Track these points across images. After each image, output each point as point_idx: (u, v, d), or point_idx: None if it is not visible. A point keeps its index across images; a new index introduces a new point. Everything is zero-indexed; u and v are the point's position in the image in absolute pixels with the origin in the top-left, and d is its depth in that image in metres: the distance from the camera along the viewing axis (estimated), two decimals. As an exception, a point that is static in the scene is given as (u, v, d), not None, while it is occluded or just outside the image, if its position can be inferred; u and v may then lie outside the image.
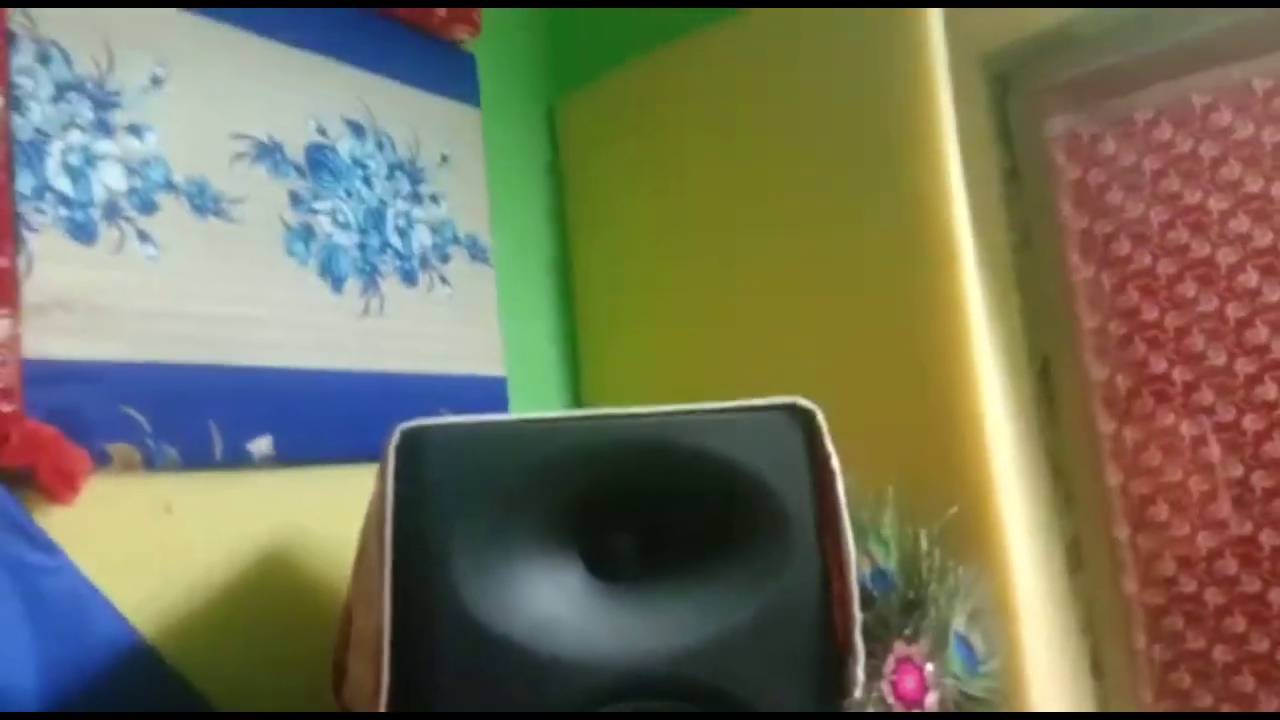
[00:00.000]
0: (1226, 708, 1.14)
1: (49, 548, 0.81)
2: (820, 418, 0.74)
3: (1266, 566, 1.13)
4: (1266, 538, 1.12)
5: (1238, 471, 1.14)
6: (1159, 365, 1.20)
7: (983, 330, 1.12)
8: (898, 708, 0.91)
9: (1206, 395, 1.16)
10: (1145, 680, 1.18)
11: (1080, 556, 1.21)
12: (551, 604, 0.70)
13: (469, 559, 0.68)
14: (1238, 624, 1.14)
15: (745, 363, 1.25)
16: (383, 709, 0.70)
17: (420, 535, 0.68)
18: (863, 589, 0.95)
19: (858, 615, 0.74)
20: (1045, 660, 1.07)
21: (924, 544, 0.99)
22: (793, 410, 0.75)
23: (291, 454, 1.01)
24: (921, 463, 1.08)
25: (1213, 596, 1.15)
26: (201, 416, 0.95)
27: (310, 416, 1.03)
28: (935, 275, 1.12)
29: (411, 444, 0.70)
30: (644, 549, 0.73)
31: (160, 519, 0.92)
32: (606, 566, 0.72)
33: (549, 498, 0.71)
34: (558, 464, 0.71)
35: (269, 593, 0.99)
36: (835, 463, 0.74)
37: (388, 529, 0.69)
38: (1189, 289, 1.18)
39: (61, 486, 0.82)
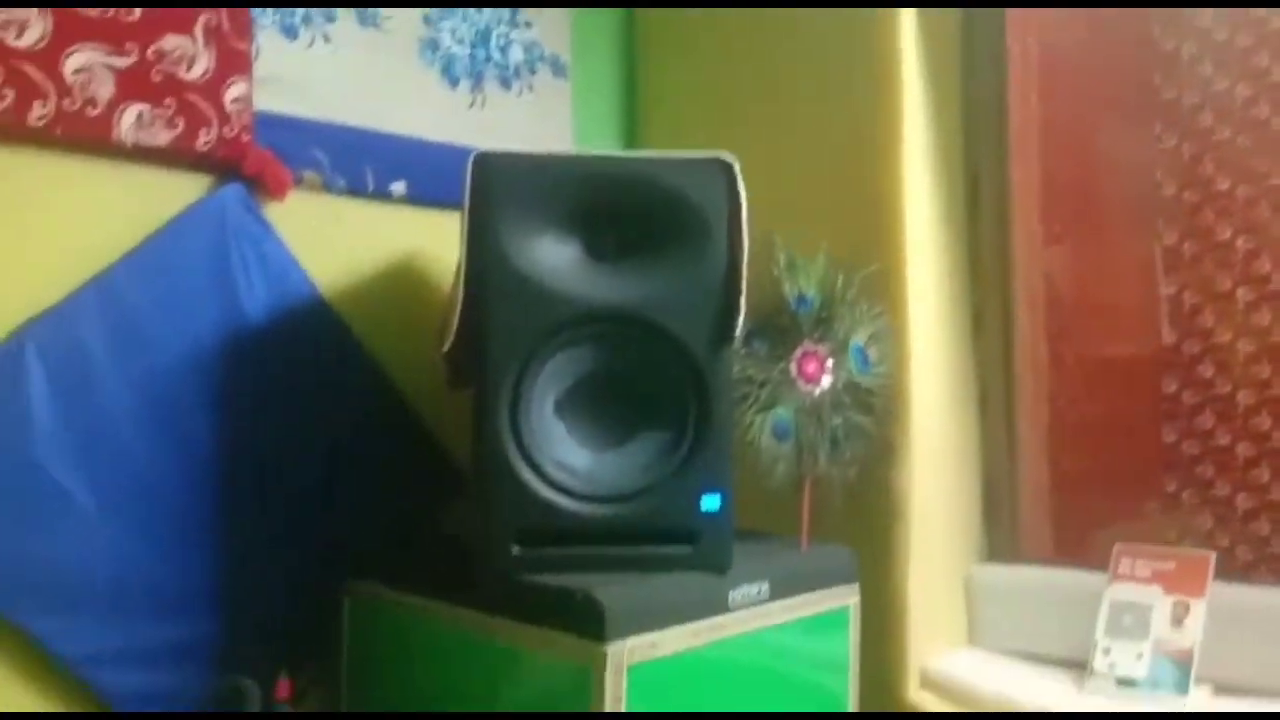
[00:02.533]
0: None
1: (267, 225, 1.32)
2: (737, 169, 1.17)
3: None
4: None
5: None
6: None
7: (918, 137, 1.52)
8: (800, 383, 1.36)
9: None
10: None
11: (982, 323, 1.62)
12: (561, 267, 1.16)
13: (513, 236, 1.15)
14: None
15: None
16: (452, 337, 1.18)
17: (484, 220, 1.15)
18: (785, 307, 1.39)
19: (744, 292, 1.18)
20: (931, 368, 1.50)
21: (840, 283, 1.41)
22: (720, 162, 1.18)
23: (418, 196, 1.50)
24: (853, 232, 1.49)
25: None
26: (360, 162, 1.44)
27: (431, 172, 1.51)
28: (879, 83, 1.51)
29: (481, 164, 1.16)
30: (620, 242, 1.18)
31: (331, 224, 1.42)
32: (596, 251, 1.18)
33: (565, 204, 1.16)
34: (572, 183, 1.17)
35: (399, 287, 1.50)
36: (743, 198, 1.17)
37: (465, 216, 1.16)
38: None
39: (276, 189, 1.33)
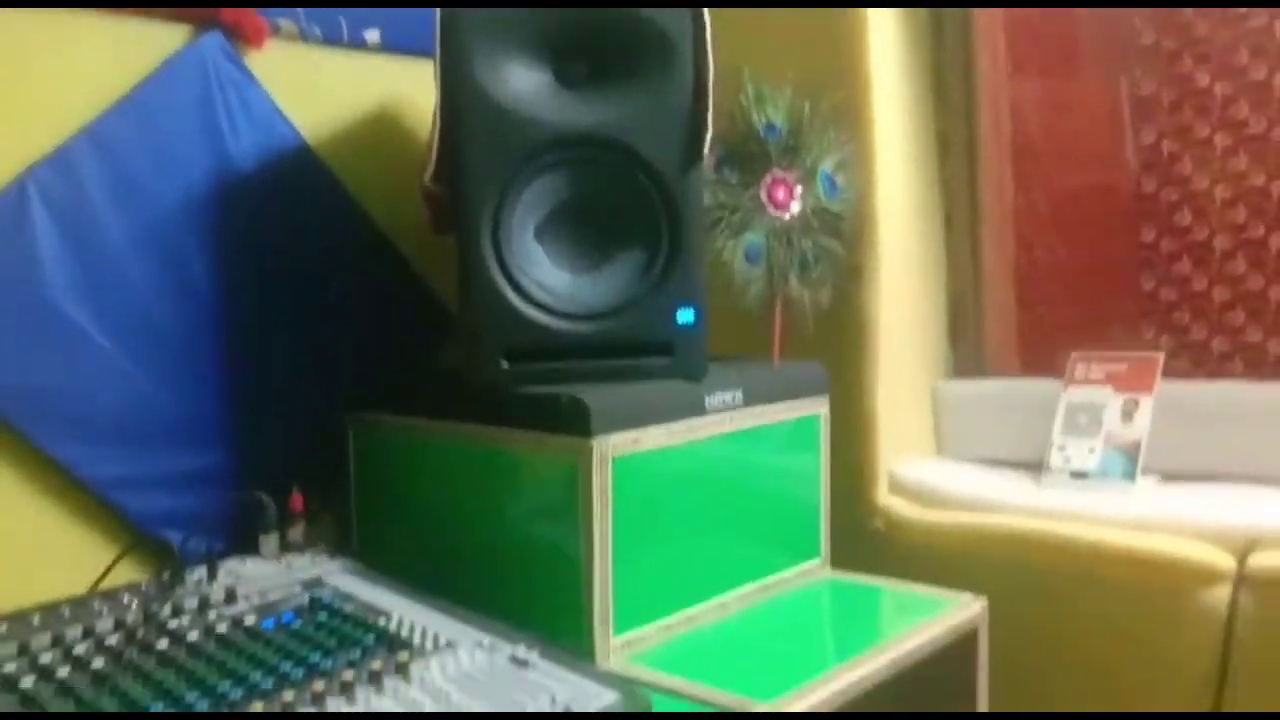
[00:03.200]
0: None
1: (249, 73, 1.36)
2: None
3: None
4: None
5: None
6: None
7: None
8: (770, 209, 1.42)
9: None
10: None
11: (948, 148, 1.68)
12: (533, 94, 1.21)
13: (485, 67, 1.19)
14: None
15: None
16: (433, 166, 1.24)
17: (457, 52, 1.19)
18: (754, 135, 1.45)
19: (710, 111, 1.23)
20: (898, 192, 1.57)
21: (808, 112, 1.46)
22: (691, -3, 1.22)
23: (394, 44, 1.53)
24: (819, 61, 1.54)
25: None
26: (335, 13, 1.47)
27: (405, 20, 1.54)
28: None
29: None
30: (590, 68, 1.23)
31: (310, 74, 1.46)
32: (567, 78, 1.23)
33: (536, 33, 1.21)
34: (541, 12, 1.21)
35: (380, 134, 1.54)
36: (707, 20, 1.21)
37: (437, 50, 1.20)
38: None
39: (253, 37, 1.36)
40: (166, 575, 1.13)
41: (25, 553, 1.19)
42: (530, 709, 0.89)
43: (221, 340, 1.33)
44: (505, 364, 1.21)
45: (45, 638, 0.98)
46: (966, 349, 1.72)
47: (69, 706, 0.87)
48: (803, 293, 1.45)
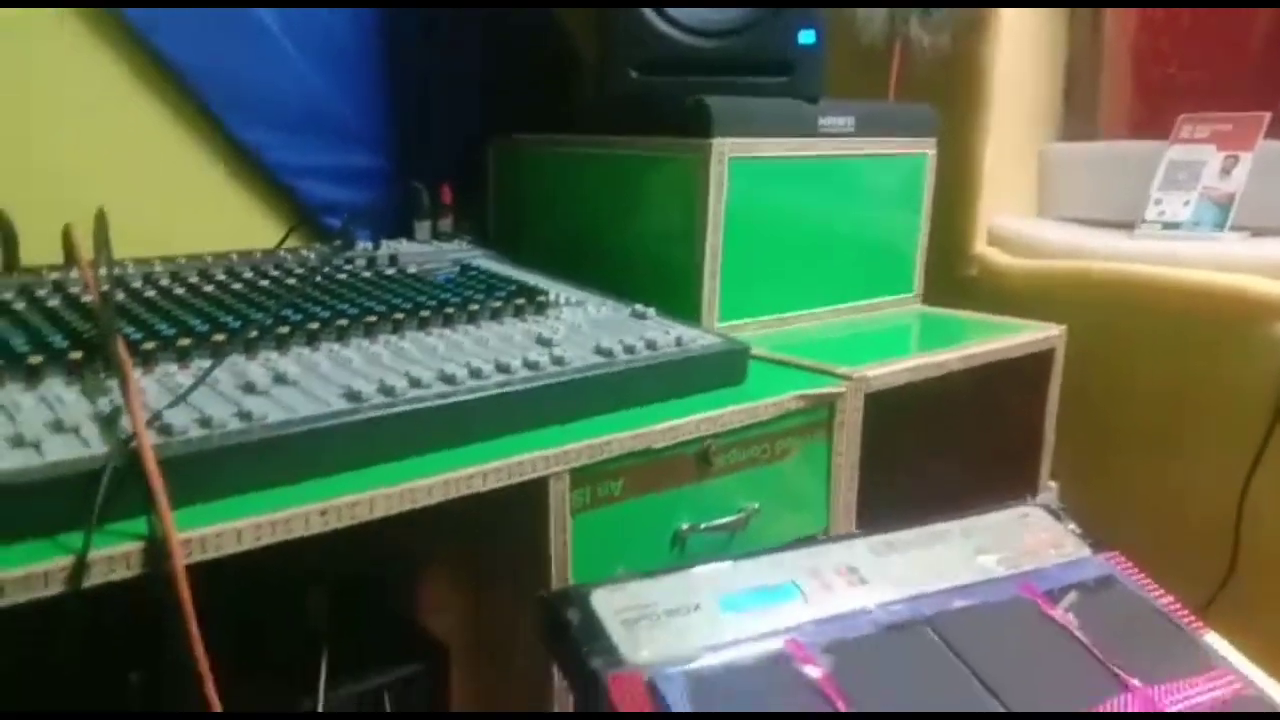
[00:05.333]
0: None
1: None
2: None
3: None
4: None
5: None
6: None
7: None
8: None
9: None
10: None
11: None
12: None
13: None
14: None
15: None
16: None
17: None
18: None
19: None
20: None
21: None
22: None
23: None
24: None
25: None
26: None
27: None
28: None
29: None
30: None
31: None
32: None
33: None
34: None
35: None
36: None
37: None
38: None
39: None
40: (338, 243, 1.31)
41: (210, 227, 1.38)
42: (646, 338, 1.04)
43: (391, 56, 1.48)
44: (634, 74, 1.33)
45: (221, 271, 1.17)
46: (1079, 112, 1.76)
47: (247, 310, 1.05)
48: (922, 36, 1.51)
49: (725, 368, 1.08)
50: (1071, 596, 0.84)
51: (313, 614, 0.98)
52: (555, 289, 1.21)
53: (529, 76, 1.63)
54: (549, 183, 1.49)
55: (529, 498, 0.88)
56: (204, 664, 0.67)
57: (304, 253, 1.26)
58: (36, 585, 0.63)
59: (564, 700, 0.90)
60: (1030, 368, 1.38)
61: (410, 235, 1.40)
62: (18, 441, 0.70)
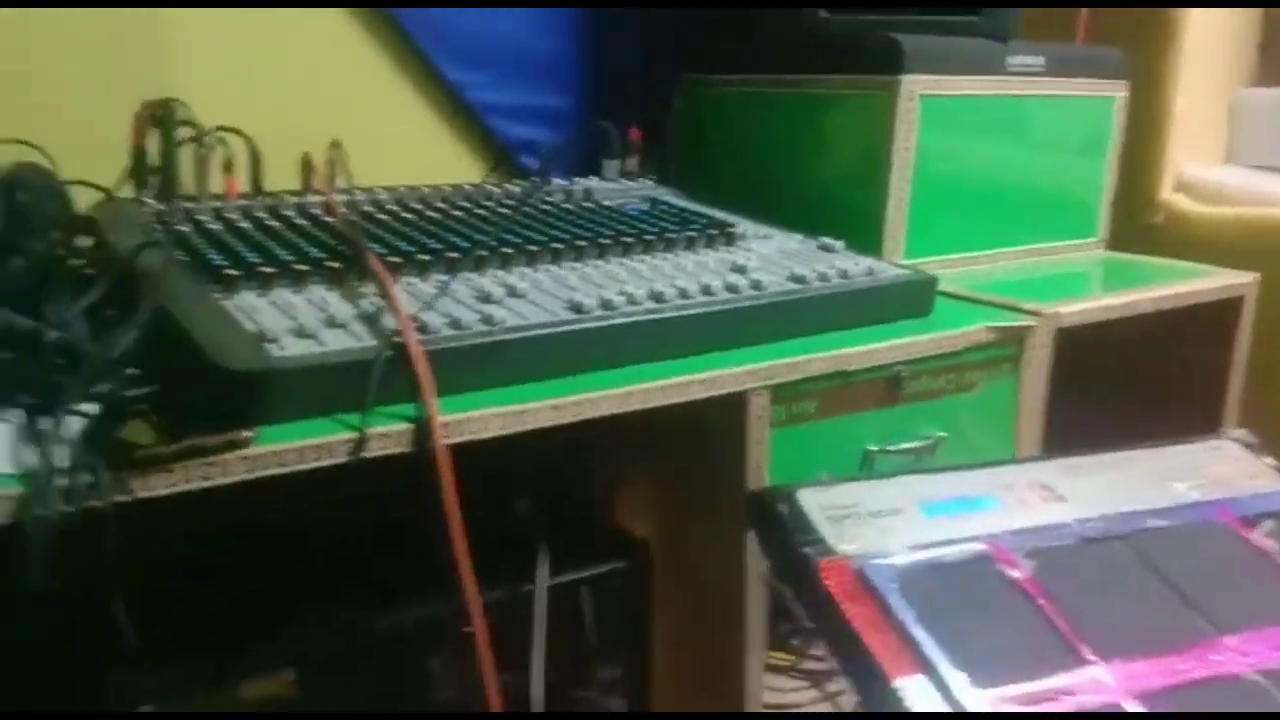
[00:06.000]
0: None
1: None
2: None
3: None
4: None
5: None
6: None
7: None
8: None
9: None
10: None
11: None
12: None
13: None
14: None
15: None
16: None
17: None
18: None
19: None
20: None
21: None
22: None
23: None
24: None
25: None
26: None
27: None
28: None
29: None
30: None
31: None
32: None
33: None
34: None
35: None
36: None
37: None
38: None
39: None
40: (537, 179, 1.39)
41: (418, 161, 1.48)
42: (837, 267, 1.08)
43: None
44: (823, 13, 1.35)
45: (439, 200, 1.26)
46: (1274, 59, 1.69)
47: (470, 233, 1.13)
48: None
49: (914, 298, 1.11)
50: (1270, 524, 0.84)
51: (522, 520, 1.07)
52: (742, 223, 1.26)
53: (712, 15, 1.67)
54: (733, 122, 1.53)
55: (729, 412, 0.94)
56: (459, 533, 0.76)
57: (507, 186, 1.35)
58: (322, 455, 0.73)
59: (759, 593, 0.96)
60: (1217, 315, 1.36)
61: (599, 173, 1.47)
62: (299, 332, 0.80)
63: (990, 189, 1.39)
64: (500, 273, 1.00)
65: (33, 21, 1.17)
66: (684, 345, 0.94)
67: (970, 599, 0.73)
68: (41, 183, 0.99)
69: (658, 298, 0.95)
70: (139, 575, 0.71)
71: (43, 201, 0.97)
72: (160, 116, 1.11)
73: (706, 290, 0.98)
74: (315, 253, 0.96)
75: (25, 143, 1.05)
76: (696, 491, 1.02)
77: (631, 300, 0.93)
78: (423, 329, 0.82)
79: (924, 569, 0.74)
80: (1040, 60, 1.38)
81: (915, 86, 1.26)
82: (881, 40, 1.27)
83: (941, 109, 1.29)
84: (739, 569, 0.96)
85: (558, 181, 1.39)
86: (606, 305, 0.92)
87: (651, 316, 0.93)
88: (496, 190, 1.31)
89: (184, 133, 1.12)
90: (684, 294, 0.97)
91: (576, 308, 0.91)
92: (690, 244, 1.15)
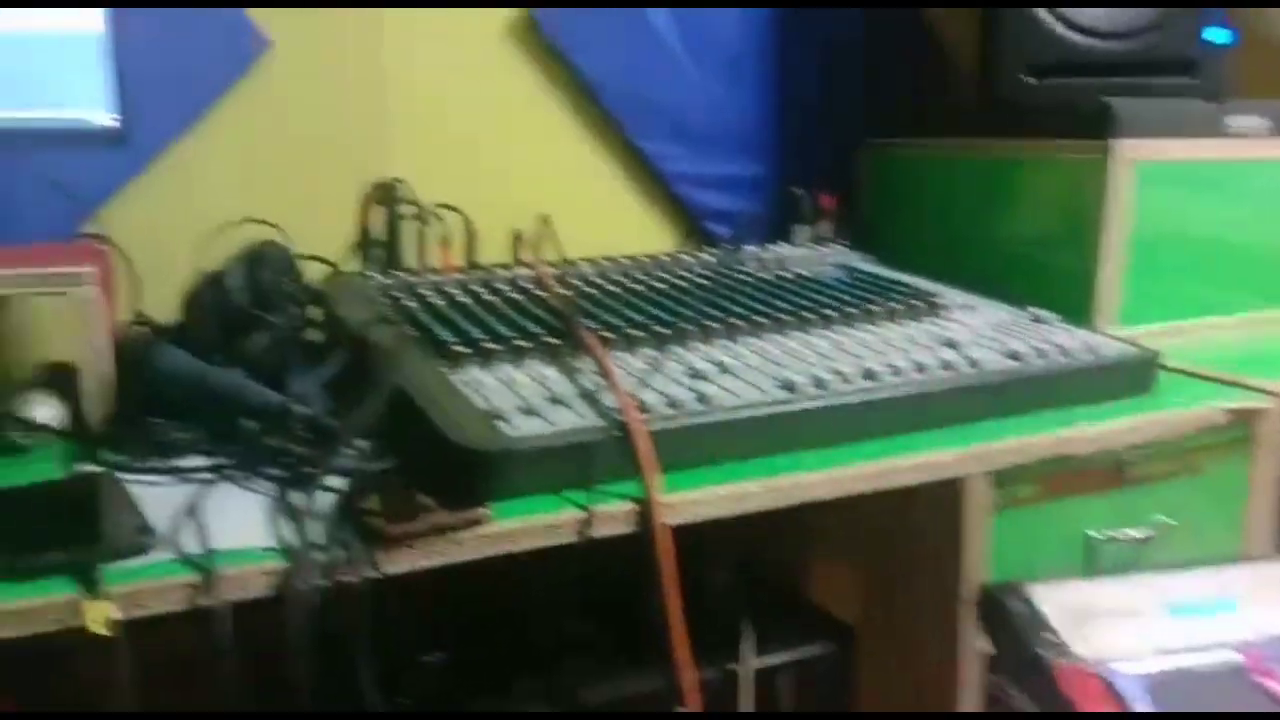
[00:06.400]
0: None
1: None
2: None
3: None
4: None
5: None
6: None
7: None
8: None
9: None
10: None
11: None
12: None
13: None
14: None
15: None
16: None
17: None
18: None
19: None
20: None
21: None
22: None
23: None
24: None
25: None
26: None
27: None
28: None
29: None
30: None
31: None
32: None
33: None
34: None
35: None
36: None
37: None
38: None
39: None
40: (730, 248, 1.40)
41: (609, 230, 1.51)
42: (1053, 342, 1.04)
43: (775, 65, 1.55)
44: (1026, 78, 1.32)
45: (637, 272, 1.28)
46: None
47: (672, 306, 1.15)
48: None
49: (1137, 375, 1.05)
50: None
51: (721, 593, 1.07)
52: (943, 291, 1.23)
53: (899, 81, 1.66)
54: (922, 185, 1.50)
55: (945, 493, 0.92)
56: (677, 614, 0.76)
57: (700, 255, 1.36)
58: (552, 534, 0.75)
59: (974, 686, 0.92)
60: None
61: (789, 239, 1.47)
62: (527, 410, 0.82)
63: (1208, 252, 1.31)
64: (706, 347, 1.01)
65: (268, 106, 1.26)
66: (898, 424, 0.93)
67: (1226, 712, 0.68)
68: (280, 259, 1.07)
69: (870, 375, 0.94)
70: (375, 639, 0.74)
71: (281, 277, 1.05)
72: (385, 196, 1.18)
73: (920, 368, 0.96)
74: (533, 328, 0.99)
75: (264, 221, 1.13)
76: (906, 574, 0.99)
77: (844, 378, 0.92)
78: (642, 408, 0.83)
79: (1175, 677, 0.70)
80: (1264, 122, 1.30)
81: (1128, 151, 1.21)
82: (1092, 104, 1.23)
83: (1154, 173, 1.23)
84: (953, 661, 0.92)
85: (749, 249, 1.39)
86: (819, 384, 0.91)
87: (865, 396, 0.91)
88: (691, 260, 1.33)
89: (405, 210, 1.19)
90: (897, 371, 0.95)
91: (788, 386, 0.90)
92: (893, 315, 1.13)
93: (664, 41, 1.47)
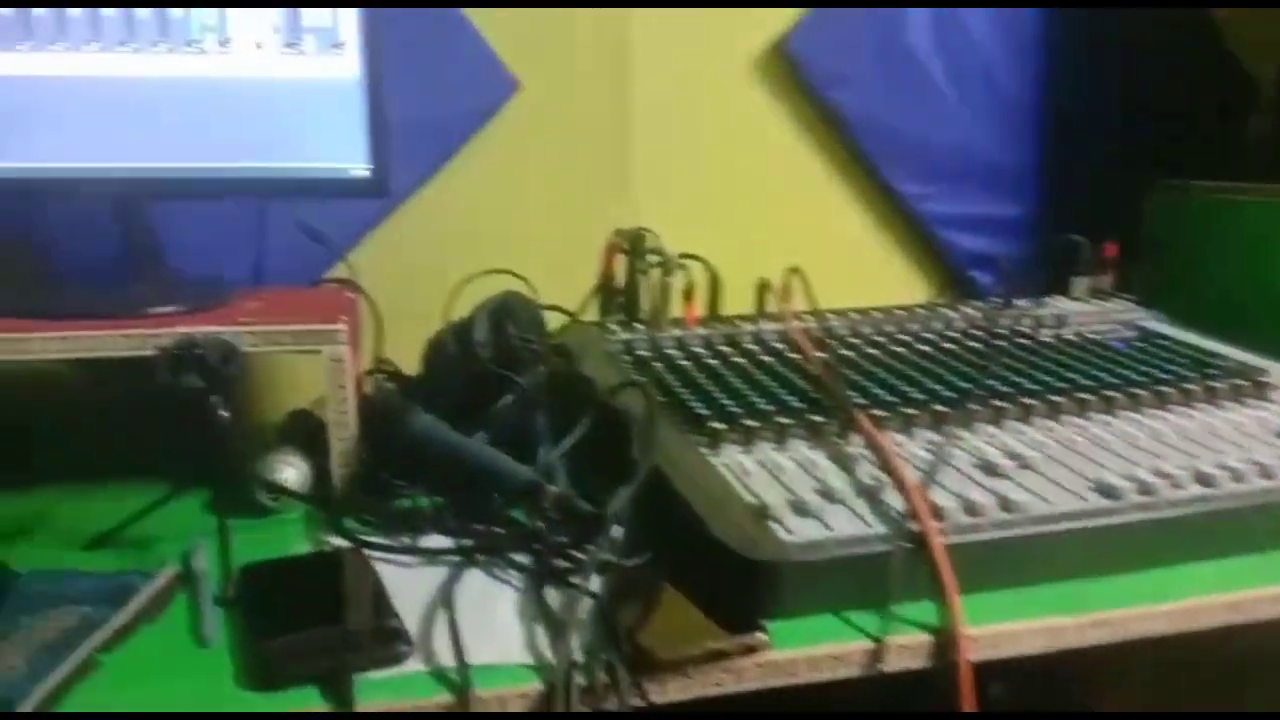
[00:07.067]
0: None
1: None
2: None
3: None
4: None
5: None
6: None
7: None
8: None
9: None
10: None
11: None
12: None
13: None
14: None
15: None
16: None
17: None
18: None
19: None
20: None
21: None
22: None
23: None
24: None
25: None
26: None
27: None
28: None
29: None
30: None
31: None
32: None
33: None
34: None
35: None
36: None
37: None
38: None
39: None
40: (999, 301, 1.25)
41: (861, 276, 1.40)
42: None
43: (1047, 95, 1.40)
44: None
45: (896, 328, 1.16)
46: None
47: (945, 375, 1.02)
48: None
49: None
50: None
51: (995, 706, 0.93)
52: (1272, 368, 1.05)
53: (1197, 115, 1.46)
54: (1220, 234, 1.31)
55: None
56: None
57: (964, 309, 1.23)
58: (839, 666, 0.64)
59: None
60: None
61: (1063, 292, 1.31)
62: (800, 508, 0.72)
63: None
64: (994, 429, 0.88)
65: (515, 148, 1.22)
66: (1240, 543, 0.77)
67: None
68: (527, 314, 1.01)
69: (1204, 480, 0.78)
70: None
71: (528, 333, 0.99)
72: (630, 246, 1.12)
73: (1265, 472, 0.80)
74: (793, 401, 0.89)
75: (511, 272, 1.08)
76: (1228, 700, 0.83)
77: (1174, 482, 0.78)
78: (937, 514, 0.72)
79: None
80: None
81: None
82: None
83: None
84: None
85: (1020, 303, 1.25)
86: (1144, 489, 0.77)
87: (1200, 507, 0.76)
88: (953, 314, 1.19)
89: (649, 259, 1.12)
90: (1236, 475, 0.79)
91: (1106, 490, 0.76)
92: (1213, 396, 0.96)
93: (925, 71, 1.34)
